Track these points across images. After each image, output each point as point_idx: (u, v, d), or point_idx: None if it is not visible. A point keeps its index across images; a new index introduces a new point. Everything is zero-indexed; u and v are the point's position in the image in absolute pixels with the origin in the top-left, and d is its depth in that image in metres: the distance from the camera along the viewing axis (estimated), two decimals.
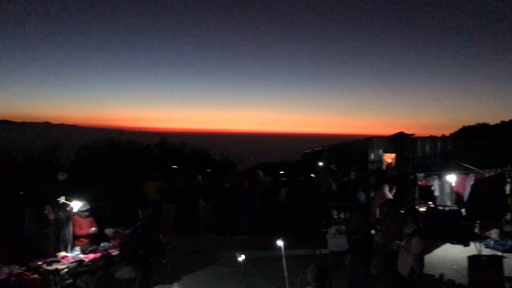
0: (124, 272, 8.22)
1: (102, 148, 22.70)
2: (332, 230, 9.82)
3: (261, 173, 13.45)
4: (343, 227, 9.55)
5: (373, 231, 9.33)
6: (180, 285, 4.50)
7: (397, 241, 6.96)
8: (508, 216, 12.84)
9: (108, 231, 9.06)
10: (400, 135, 23.49)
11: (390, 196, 11.35)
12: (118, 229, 9.13)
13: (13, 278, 6.79)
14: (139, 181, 12.47)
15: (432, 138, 24.94)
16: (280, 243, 6.23)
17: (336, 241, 9.42)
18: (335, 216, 11.85)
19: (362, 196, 12.08)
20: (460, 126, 54.38)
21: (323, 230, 10.42)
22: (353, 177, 13.57)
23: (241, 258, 5.57)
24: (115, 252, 7.90)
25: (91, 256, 7.68)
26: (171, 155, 22.46)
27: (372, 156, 22.18)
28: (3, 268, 6.99)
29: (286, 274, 6.27)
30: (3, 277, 6.78)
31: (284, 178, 14.19)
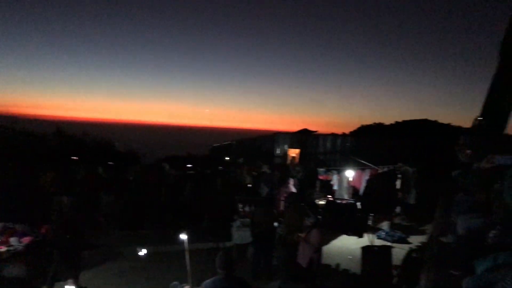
0: (13, 269, 7.60)
1: None
2: (237, 223, 9.93)
3: (167, 166, 13.21)
4: (248, 220, 9.70)
5: (276, 224, 9.59)
6: (75, 282, 4.24)
7: (298, 233, 7.21)
8: (398, 209, 13.95)
9: None
10: (304, 132, 24.38)
11: (294, 190, 11.74)
12: (7, 224, 8.43)
13: None
14: (32, 172, 11.60)
15: (333, 136, 26.27)
16: (183, 236, 6.14)
17: (240, 234, 9.55)
18: (241, 209, 12.01)
19: (264, 190, 12.36)
20: (359, 125, 57.77)
21: (229, 223, 10.49)
22: (264, 171, 13.85)
23: (142, 252, 5.42)
24: (3, 249, 7.27)
25: None
26: (70, 146, 21.11)
27: (278, 151, 22.80)
28: None
29: (188, 268, 6.21)
30: None
31: (191, 172, 14.07)
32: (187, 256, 5.82)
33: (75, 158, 12.93)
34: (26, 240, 7.68)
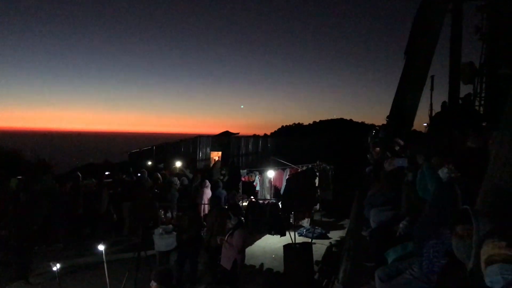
0: None
1: None
2: (159, 230, 9.69)
3: (80, 175, 12.57)
4: (170, 226, 9.51)
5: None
6: None
7: (220, 237, 7.19)
8: (317, 206, 14.46)
9: None
10: (226, 134, 24.48)
11: (210, 193, 11.78)
12: None
13: None
14: None
15: (255, 137, 26.65)
16: (101, 247, 5.90)
17: (162, 241, 9.32)
18: (162, 216, 11.76)
19: (175, 194, 12.26)
20: (279, 126, 59.19)
21: (149, 230, 10.21)
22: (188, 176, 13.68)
23: (56, 267, 5.11)
24: None
25: None
26: None
27: (200, 155, 22.67)
28: None
29: (108, 280, 5.97)
30: None
31: (109, 180, 13.50)
32: (105, 267, 5.59)
33: None
34: None
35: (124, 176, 13.76)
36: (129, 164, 21.27)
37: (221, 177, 13.98)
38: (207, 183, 12.36)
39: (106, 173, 14.32)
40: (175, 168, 15.09)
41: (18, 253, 8.94)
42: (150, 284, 4.35)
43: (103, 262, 5.95)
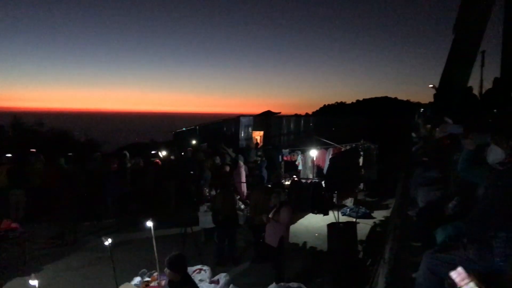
0: None
1: None
2: (204, 207, 9.91)
3: (127, 154, 12.96)
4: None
5: (242, 206, 9.63)
6: (40, 275, 4.10)
7: (265, 215, 7.22)
8: (361, 186, 14.28)
9: None
10: (267, 114, 24.41)
11: (244, 173, 11.90)
12: None
13: None
14: None
15: (297, 116, 26.44)
16: (149, 223, 6.07)
17: (207, 218, 9.52)
18: (207, 194, 11.98)
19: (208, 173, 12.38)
20: (321, 105, 58.58)
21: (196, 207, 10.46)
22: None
23: (108, 242, 5.31)
24: None
25: None
26: (26, 137, 20.34)
27: (242, 134, 22.78)
28: None
29: (156, 255, 6.16)
30: None
31: (155, 158, 13.86)
32: (154, 243, 5.76)
33: (33, 150, 12.46)
34: None
35: (169, 155, 14.08)
36: (174, 143, 21.72)
37: (258, 159, 14.07)
38: (241, 163, 12.47)
39: (152, 152, 14.67)
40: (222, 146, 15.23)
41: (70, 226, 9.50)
42: (164, 271, 4.32)
43: (151, 237, 6.13)
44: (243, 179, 12.14)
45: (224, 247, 8.32)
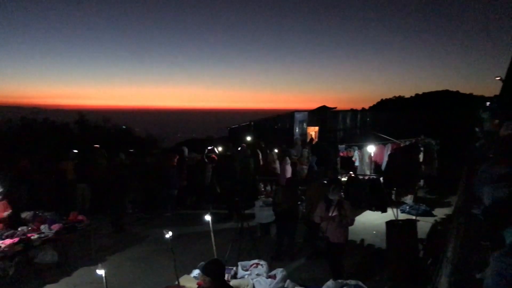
0: (45, 256, 7.85)
1: (16, 127, 21.16)
2: (259, 202, 9.99)
3: (186, 149, 13.30)
4: (270, 199, 9.76)
5: (299, 202, 9.61)
6: (105, 265, 4.33)
7: (324, 212, 7.14)
8: (421, 183, 13.82)
9: (26, 214, 8.58)
10: (323, 109, 24.20)
11: (290, 169, 11.80)
12: (37, 212, 8.67)
13: None
14: (56, 161, 11.86)
15: (353, 111, 26.00)
16: (208, 217, 6.20)
17: (263, 213, 9.61)
18: (262, 189, 12.07)
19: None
20: (378, 99, 57.16)
21: (249, 202, 10.58)
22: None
23: (168, 235, 5.49)
24: (34, 236, 7.47)
25: (8, 241, 7.17)
26: (91, 134, 21.42)
27: (297, 130, 22.71)
28: None
29: (214, 248, 6.29)
30: None
31: (211, 154, 14.14)
32: (212, 237, 5.89)
33: (96, 146, 13.11)
34: (55, 227, 7.87)
35: (224, 151, 14.33)
36: (229, 139, 22.06)
37: (306, 155, 13.96)
38: (288, 160, 12.44)
39: (209, 147, 14.96)
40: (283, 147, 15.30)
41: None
42: (199, 277, 4.09)
43: (209, 231, 6.26)
44: (288, 175, 12.08)
45: (282, 242, 8.36)
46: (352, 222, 6.99)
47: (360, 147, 15.22)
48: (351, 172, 13.25)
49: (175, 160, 12.55)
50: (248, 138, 17.66)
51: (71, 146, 13.31)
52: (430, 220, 10.62)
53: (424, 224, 9.92)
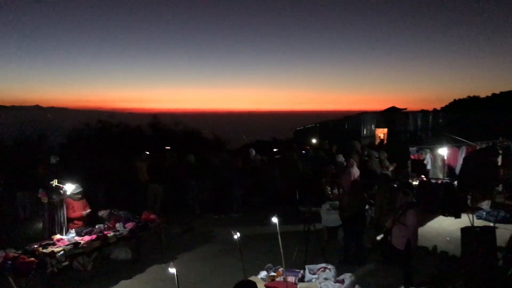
0: (120, 253, 8.26)
1: (93, 130, 22.53)
2: (326, 205, 9.88)
3: (253, 151, 13.45)
4: (337, 202, 9.62)
5: (367, 206, 9.40)
6: (176, 264, 4.49)
7: (391, 217, 6.97)
8: (499, 187, 12.99)
9: (103, 212, 9.07)
10: (392, 110, 23.51)
11: (357, 172, 11.47)
12: (112, 210, 9.14)
13: (9, 262, 6.76)
14: (130, 162, 12.49)
15: (424, 112, 24.99)
16: (275, 219, 6.22)
17: (329, 217, 9.50)
18: (329, 192, 11.91)
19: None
20: (451, 99, 54.57)
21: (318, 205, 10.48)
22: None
23: (237, 235, 5.58)
24: (110, 234, 7.89)
25: (87, 238, 7.64)
26: (163, 136, 22.31)
27: (365, 132, 22.21)
28: None
29: (281, 250, 6.29)
30: None
31: (278, 156, 14.21)
32: (279, 239, 5.89)
33: (167, 147, 13.64)
34: (129, 225, 8.27)
35: (290, 153, 14.34)
36: (294, 141, 22.02)
37: (366, 158, 13.60)
38: (353, 161, 12.14)
39: (274, 149, 15.04)
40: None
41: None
42: None
43: (276, 233, 6.27)
44: (353, 178, 11.81)
45: (350, 246, 8.22)
46: (411, 231, 6.67)
47: (432, 150, 14.59)
48: (423, 176, 12.76)
49: (240, 161, 12.75)
50: (314, 141, 17.51)
51: (144, 147, 13.93)
52: (510, 227, 9.95)
53: (503, 232, 9.29)
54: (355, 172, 11.98)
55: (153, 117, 24.83)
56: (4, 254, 6.91)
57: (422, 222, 10.05)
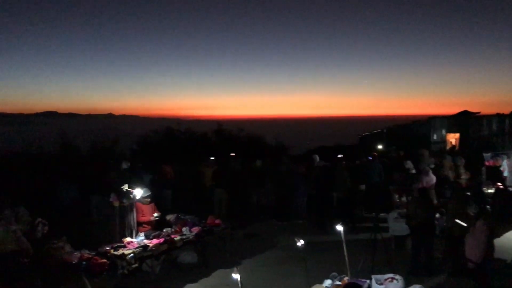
0: (186, 257, 8.46)
1: (161, 137, 23.34)
2: (394, 214, 9.56)
3: (317, 157, 13.30)
4: (405, 210, 9.27)
5: (437, 215, 8.99)
6: (240, 269, 4.54)
7: (463, 225, 6.62)
8: None
9: (170, 217, 9.34)
10: (465, 114, 22.42)
11: (434, 178, 10.92)
12: (179, 215, 9.38)
13: (84, 262, 7.20)
14: (196, 168, 12.79)
15: (499, 116, 23.56)
16: (339, 227, 6.11)
17: (397, 225, 9.17)
18: (397, 200, 11.52)
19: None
20: None
21: (383, 213, 10.17)
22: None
23: (300, 243, 5.53)
24: (177, 237, 8.10)
25: (155, 241, 7.90)
26: (227, 142, 22.67)
27: (435, 137, 21.32)
28: (74, 253, 7.41)
29: (347, 259, 6.16)
30: (75, 261, 7.19)
31: (343, 162, 13.95)
32: (344, 247, 5.78)
33: (232, 154, 13.85)
34: (195, 229, 8.46)
35: (354, 159, 14.04)
36: (360, 147, 21.55)
37: (432, 166, 12.91)
38: (427, 168, 11.57)
39: (339, 156, 14.79)
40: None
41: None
42: None
43: (341, 241, 6.15)
44: (424, 185, 11.28)
45: (419, 256, 7.87)
46: (483, 242, 6.26)
47: (509, 156, 13.72)
48: (499, 183, 12.02)
49: (304, 167, 12.63)
50: (380, 147, 17.02)
51: (209, 153, 14.21)
52: None
53: None
54: (430, 179, 11.45)
55: (217, 124, 25.32)
56: (79, 255, 7.35)
57: (499, 232, 9.42)
